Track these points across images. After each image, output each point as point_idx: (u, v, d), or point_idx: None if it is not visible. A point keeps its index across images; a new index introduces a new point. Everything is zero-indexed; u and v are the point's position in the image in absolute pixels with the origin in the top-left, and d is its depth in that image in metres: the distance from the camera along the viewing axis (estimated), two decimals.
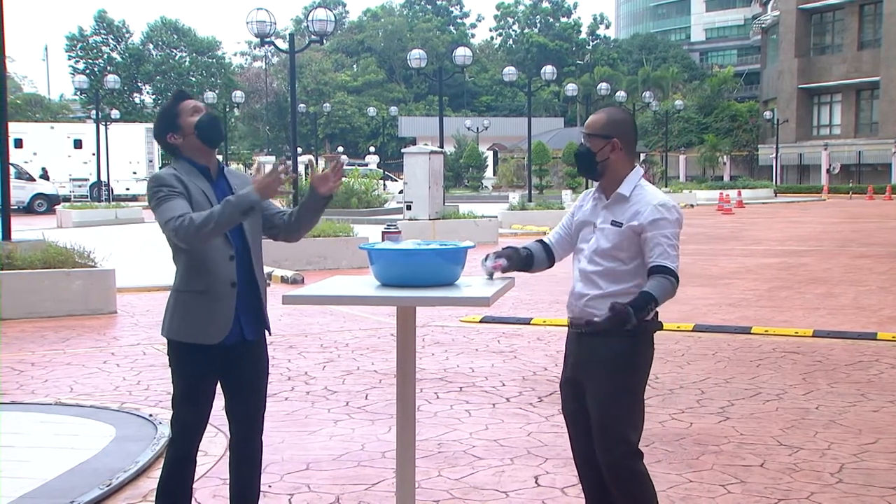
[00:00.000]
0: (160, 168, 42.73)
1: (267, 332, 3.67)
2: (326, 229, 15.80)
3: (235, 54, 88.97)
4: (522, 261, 3.57)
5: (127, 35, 73.53)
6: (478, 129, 55.54)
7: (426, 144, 26.69)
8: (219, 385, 3.60)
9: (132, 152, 42.16)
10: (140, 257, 16.63)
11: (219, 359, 3.49)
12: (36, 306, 10.18)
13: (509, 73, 31.63)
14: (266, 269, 13.74)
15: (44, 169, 38.55)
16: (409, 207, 20.26)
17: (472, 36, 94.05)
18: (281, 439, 5.55)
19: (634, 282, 3.35)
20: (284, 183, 3.37)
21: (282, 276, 13.30)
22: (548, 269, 3.68)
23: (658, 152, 55.58)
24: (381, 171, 45.93)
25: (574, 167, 43.49)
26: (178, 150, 3.53)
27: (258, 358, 3.62)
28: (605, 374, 3.35)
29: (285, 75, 70.66)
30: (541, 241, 3.67)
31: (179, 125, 3.50)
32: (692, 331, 9.22)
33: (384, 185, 40.31)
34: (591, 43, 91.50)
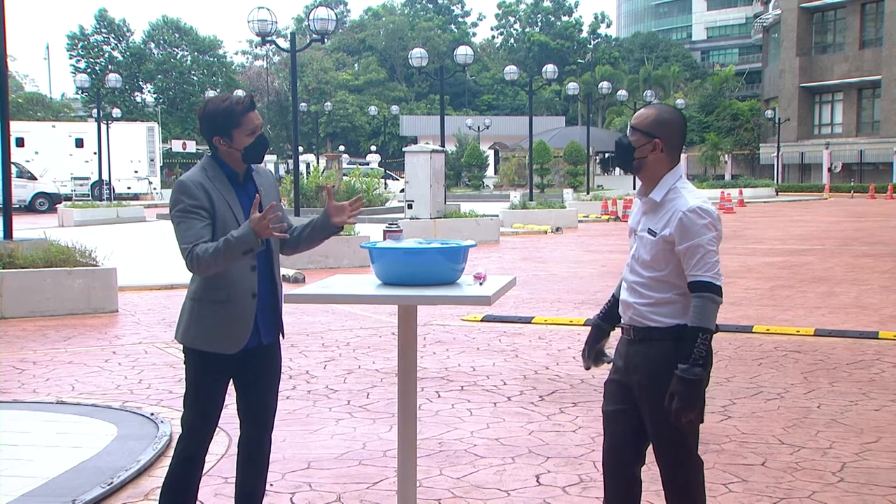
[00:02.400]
0: (161, 170, 42.56)
1: (281, 336, 3.68)
2: None
3: (237, 53, 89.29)
4: (612, 319, 3.51)
5: (128, 34, 73.61)
6: (479, 127, 55.56)
7: (427, 143, 26.67)
8: (231, 382, 3.62)
9: (133, 151, 42.21)
10: (142, 256, 16.64)
11: (234, 362, 3.51)
12: (38, 305, 10.18)
13: (510, 71, 31.61)
14: None
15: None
16: (410, 206, 20.27)
17: (474, 35, 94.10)
18: (282, 438, 5.55)
19: (676, 290, 3.22)
20: (277, 228, 3.28)
21: (283, 275, 13.32)
22: None
23: None
24: (383, 169, 46.01)
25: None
26: (217, 151, 3.50)
27: (273, 359, 3.63)
28: (657, 386, 3.21)
29: (286, 74, 70.68)
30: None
31: (233, 136, 3.43)
32: None
33: (385, 183, 40.34)
34: (592, 42, 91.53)
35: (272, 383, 3.64)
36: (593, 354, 3.54)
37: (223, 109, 3.43)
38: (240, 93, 3.61)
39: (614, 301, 3.51)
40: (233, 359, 3.48)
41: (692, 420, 3.17)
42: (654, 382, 3.23)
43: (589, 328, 3.59)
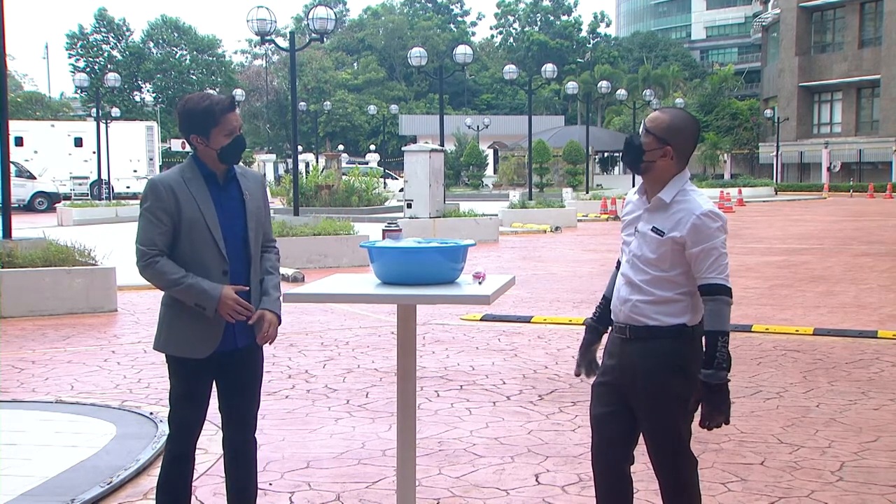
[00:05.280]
0: (160, 168, 42.66)
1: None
2: (327, 227, 15.79)
3: (236, 52, 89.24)
4: (606, 321, 3.49)
5: (127, 33, 73.63)
6: (478, 127, 55.55)
7: (427, 143, 26.67)
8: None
9: (133, 150, 42.19)
10: None
11: (213, 365, 3.50)
12: (37, 304, 10.18)
13: (510, 71, 31.59)
14: None
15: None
16: (409, 206, 20.27)
17: (473, 34, 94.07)
18: (281, 437, 5.56)
19: (681, 290, 3.22)
20: (236, 317, 3.42)
21: (282, 275, 13.30)
22: None
23: None
24: (382, 169, 45.98)
25: (574, 163, 43.62)
26: (195, 149, 3.49)
27: (252, 362, 3.61)
28: (655, 383, 3.22)
29: (286, 73, 70.66)
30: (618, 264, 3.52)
31: (210, 135, 3.42)
32: None
33: (385, 183, 40.31)
34: (591, 41, 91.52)
35: (253, 385, 3.63)
36: (586, 362, 3.52)
37: (202, 108, 3.42)
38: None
39: (606, 303, 3.49)
40: (209, 362, 3.47)
41: (720, 424, 3.20)
42: (652, 381, 3.23)
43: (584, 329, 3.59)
